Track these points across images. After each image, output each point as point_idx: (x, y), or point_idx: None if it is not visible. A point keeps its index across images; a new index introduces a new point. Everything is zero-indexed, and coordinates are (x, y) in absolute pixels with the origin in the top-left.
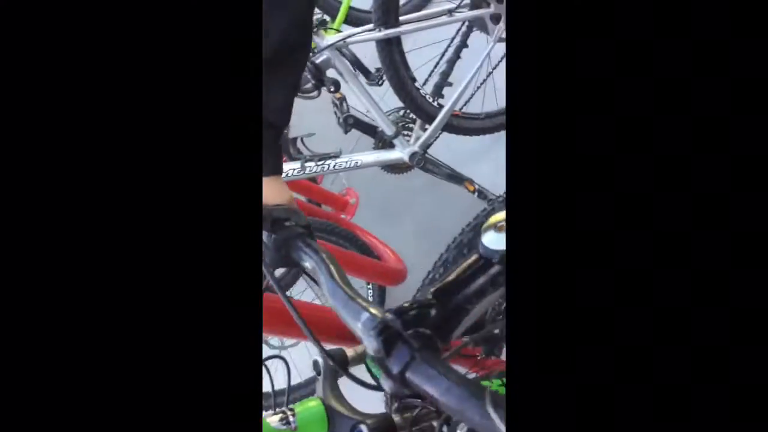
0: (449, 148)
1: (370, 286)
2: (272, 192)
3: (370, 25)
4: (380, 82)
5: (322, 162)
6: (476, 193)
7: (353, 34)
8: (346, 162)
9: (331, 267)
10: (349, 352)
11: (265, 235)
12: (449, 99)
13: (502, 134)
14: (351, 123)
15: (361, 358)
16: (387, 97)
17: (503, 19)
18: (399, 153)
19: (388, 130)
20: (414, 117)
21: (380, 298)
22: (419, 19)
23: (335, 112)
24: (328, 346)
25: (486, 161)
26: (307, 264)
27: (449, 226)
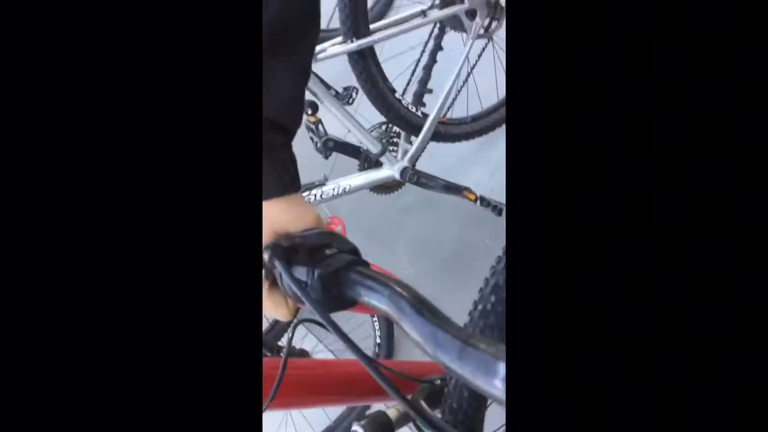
0: (433, 159)
1: (375, 319)
2: (296, 215)
3: (338, 38)
4: (350, 101)
5: (308, 192)
6: (478, 201)
7: (323, 50)
8: (334, 189)
9: (414, 300)
10: (391, 412)
11: (303, 273)
12: (433, 106)
13: (487, 137)
14: (331, 146)
15: (406, 418)
16: (358, 115)
17: (479, 14)
18: (388, 171)
19: (374, 148)
20: (398, 131)
21: (388, 332)
22: (391, 25)
23: (311, 138)
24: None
25: (476, 165)
26: (373, 301)
27: (446, 244)
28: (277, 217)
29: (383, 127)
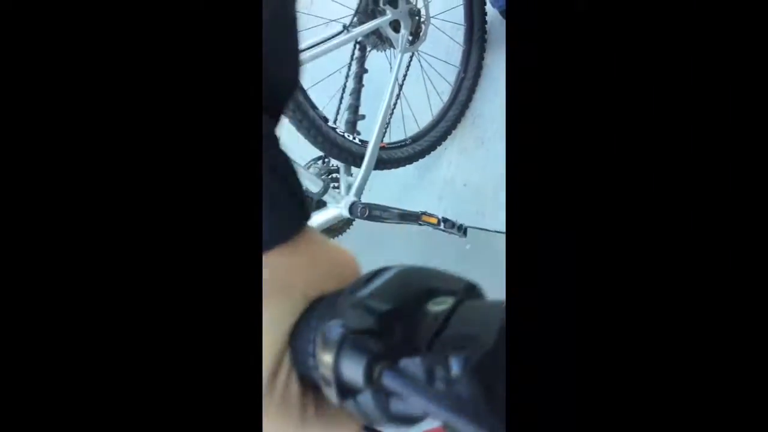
0: (372, 192)
1: None
2: (331, 258)
3: None
4: None
5: None
6: (441, 224)
7: None
8: None
9: None
10: None
11: (419, 369)
12: (370, 132)
13: (425, 159)
14: None
15: None
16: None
17: (403, 25)
18: (335, 210)
19: (314, 186)
20: (336, 164)
21: None
22: (312, 45)
23: None
24: None
25: (420, 191)
26: None
27: None
28: (306, 272)
29: (320, 162)
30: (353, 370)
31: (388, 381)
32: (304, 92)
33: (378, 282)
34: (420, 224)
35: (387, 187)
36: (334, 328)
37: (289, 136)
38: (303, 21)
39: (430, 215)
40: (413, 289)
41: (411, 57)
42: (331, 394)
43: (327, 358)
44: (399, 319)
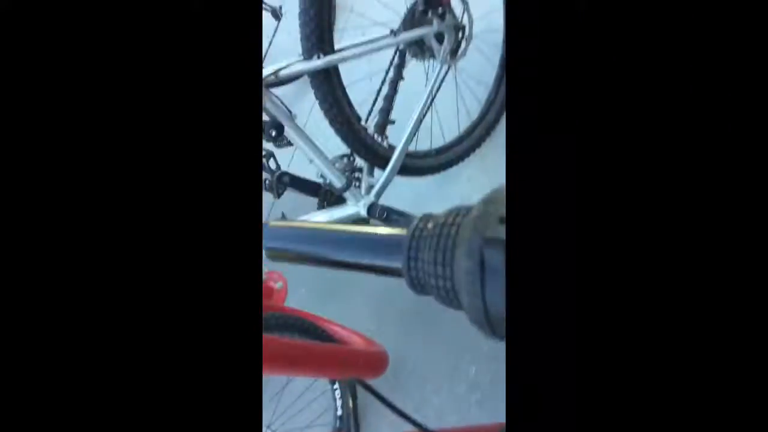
0: (387, 197)
1: (337, 386)
2: None
3: (297, 57)
4: (287, 141)
5: None
6: None
7: (282, 68)
8: None
9: None
10: None
11: None
12: (399, 137)
13: (445, 172)
14: (286, 182)
15: None
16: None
17: (446, 38)
18: (353, 207)
19: (338, 182)
20: (360, 164)
21: (352, 402)
22: (358, 45)
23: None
24: None
25: (435, 202)
26: None
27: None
28: None
29: (344, 159)
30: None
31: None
32: (343, 89)
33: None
34: None
35: (404, 194)
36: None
37: (320, 130)
38: (350, 20)
39: None
40: None
41: (447, 70)
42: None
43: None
44: None
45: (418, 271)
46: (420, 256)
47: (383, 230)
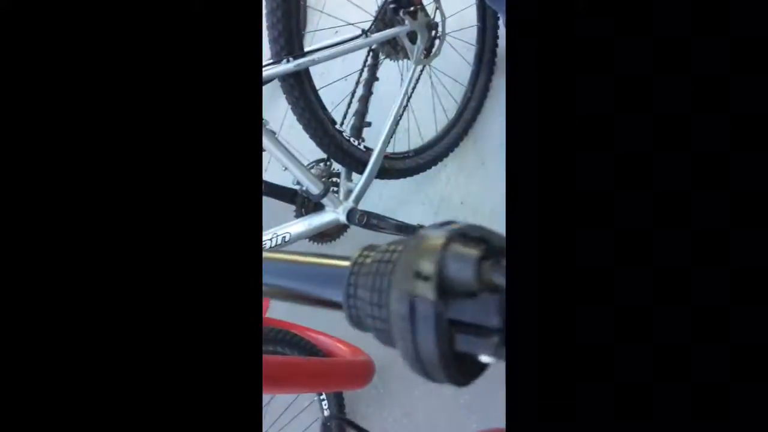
0: (366, 202)
1: (324, 397)
2: None
3: (268, 60)
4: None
5: None
6: None
7: None
8: (271, 239)
9: None
10: None
11: None
12: (376, 139)
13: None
14: (263, 191)
15: None
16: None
17: (420, 37)
18: (332, 214)
19: (315, 188)
20: (336, 168)
21: (339, 412)
22: (329, 46)
23: None
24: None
25: (416, 205)
26: None
27: None
28: None
29: (322, 165)
30: (461, 269)
31: (498, 278)
32: (315, 92)
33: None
34: None
35: (382, 198)
36: (434, 231)
37: (295, 134)
38: (319, 21)
39: None
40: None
41: (422, 70)
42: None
43: (426, 264)
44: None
45: (357, 309)
46: (358, 294)
47: (328, 260)
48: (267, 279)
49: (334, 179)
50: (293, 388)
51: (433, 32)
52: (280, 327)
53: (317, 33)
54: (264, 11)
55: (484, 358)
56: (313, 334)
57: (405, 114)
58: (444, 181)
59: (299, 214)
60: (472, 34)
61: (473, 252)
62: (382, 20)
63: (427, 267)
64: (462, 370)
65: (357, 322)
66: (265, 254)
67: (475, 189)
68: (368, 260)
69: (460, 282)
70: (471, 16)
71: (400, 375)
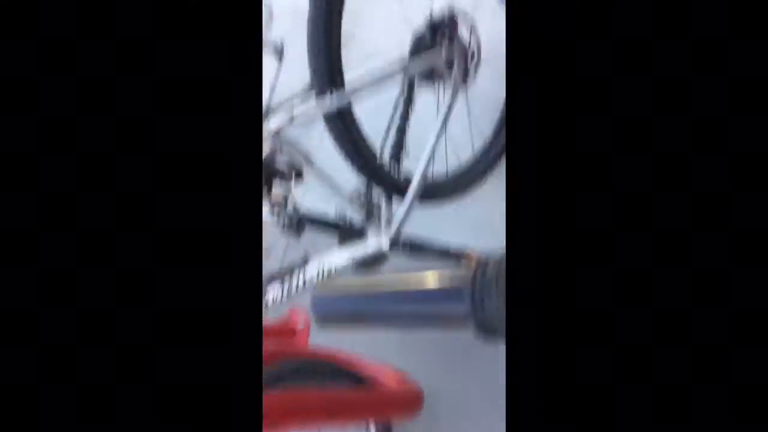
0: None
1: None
2: None
3: (307, 92)
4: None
5: (287, 278)
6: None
7: (296, 116)
8: (318, 270)
9: None
10: None
11: None
12: (415, 167)
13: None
14: (305, 223)
15: None
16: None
17: (456, 63)
18: (375, 242)
19: (358, 217)
20: (377, 197)
21: None
22: (366, 76)
23: (277, 216)
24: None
25: (455, 225)
26: None
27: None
28: None
29: (363, 194)
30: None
31: None
32: (357, 127)
33: None
34: (460, 264)
35: (421, 222)
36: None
37: (334, 163)
38: (352, 50)
39: (473, 253)
40: None
41: (457, 95)
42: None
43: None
44: None
45: (485, 314)
46: (486, 299)
47: (434, 280)
48: (378, 307)
49: (376, 208)
50: (338, 422)
51: (470, 58)
52: (321, 357)
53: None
54: (307, 40)
55: None
56: (357, 362)
57: (442, 139)
58: (484, 201)
59: (342, 243)
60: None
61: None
62: (419, 48)
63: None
64: None
65: (486, 327)
66: (366, 282)
67: None
68: (489, 268)
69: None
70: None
71: (448, 404)
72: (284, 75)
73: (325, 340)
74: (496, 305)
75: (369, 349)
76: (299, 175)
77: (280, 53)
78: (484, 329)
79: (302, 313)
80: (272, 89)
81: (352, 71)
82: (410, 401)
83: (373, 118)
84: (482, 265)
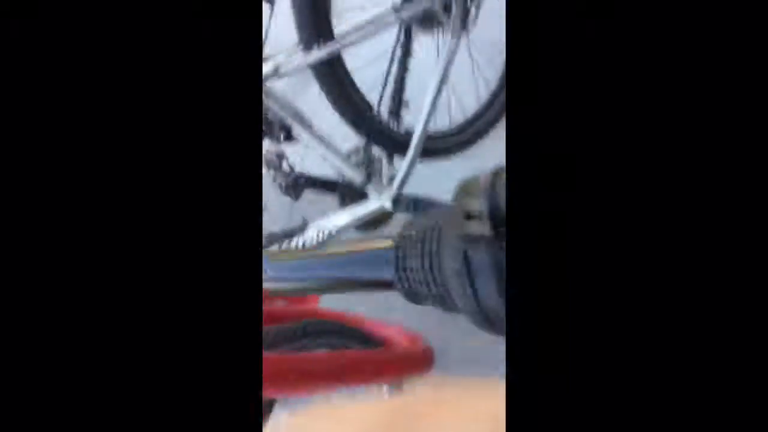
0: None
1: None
2: None
3: (296, 47)
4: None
5: (287, 243)
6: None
7: (282, 63)
8: (318, 234)
9: None
10: None
11: None
12: (417, 121)
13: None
14: (302, 184)
15: None
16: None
17: (455, 4)
18: (377, 202)
19: (357, 177)
20: (377, 154)
21: None
22: (359, 27)
23: (274, 177)
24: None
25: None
26: None
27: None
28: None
29: (361, 151)
30: None
31: None
32: (349, 77)
33: None
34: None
35: (425, 178)
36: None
37: (331, 122)
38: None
39: None
40: None
41: (459, 42)
42: None
43: (476, 203)
44: None
45: (410, 281)
46: (408, 265)
47: (370, 243)
48: (314, 274)
49: (376, 165)
50: (346, 383)
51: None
52: (329, 317)
53: (345, 12)
54: None
55: None
56: (368, 323)
57: (444, 89)
58: (488, 152)
59: (343, 204)
60: None
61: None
62: None
63: (477, 204)
64: None
65: (412, 295)
66: (304, 252)
67: None
68: (413, 232)
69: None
70: None
71: (456, 357)
72: (275, 29)
73: (335, 303)
74: (422, 266)
75: (376, 311)
76: (289, 133)
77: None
78: (411, 299)
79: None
80: (264, 37)
81: (344, 22)
82: (422, 360)
83: (371, 70)
84: (409, 226)
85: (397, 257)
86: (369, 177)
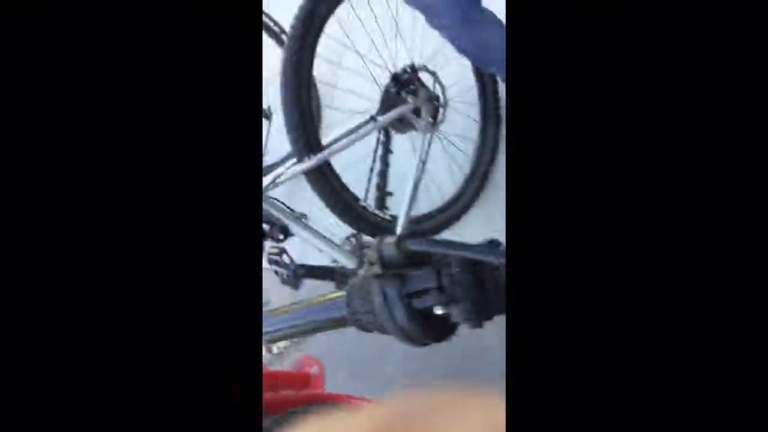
0: None
1: None
2: None
3: (291, 161)
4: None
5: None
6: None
7: (279, 175)
8: None
9: None
10: None
11: None
12: (399, 207)
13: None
14: (302, 274)
15: None
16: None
17: (423, 110)
18: None
19: (350, 263)
20: (367, 240)
21: None
22: (342, 137)
23: (275, 271)
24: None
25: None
26: None
27: (448, 356)
28: None
29: (353, 239)
30: (388, 248)
31: (413, 245)
32: (337, 178)
33: None
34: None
35: None
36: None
37: (323, 216)
38: (330, 115)
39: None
40: None
41: (431, 138)
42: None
43: (372, 255)
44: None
45: (357, 316)
46: (354, 305)
47: (331, 295)
48: (288, 323)
49: (366, 250)
50: None
51: (436, 103)
52: (336, 401)
53: (331, 121)
54: (282, 113)
55: (438, 310)
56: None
57: (424, 177)
58: (471, 225)
59: (339, 288)
60: (473, 95)
61: (394, 237)
62: (387, 103)
63: (372, 256)
64: (433, 327)
65: (361, 326)
66: (281, 309)
67: (500, 227)
68: (356, 282)
69: (390, 257)
70: (470, 81)
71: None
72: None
73: (339, 387)
74: (362, 306)
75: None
76: (287, 235)
77: (266, 115)
78: (360, 328)
79: (313, 359)
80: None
81: (331, 132)
82: None
83: (355, 170)
84: (354, 279)
85: (348, 302)
86: (361, 262)
